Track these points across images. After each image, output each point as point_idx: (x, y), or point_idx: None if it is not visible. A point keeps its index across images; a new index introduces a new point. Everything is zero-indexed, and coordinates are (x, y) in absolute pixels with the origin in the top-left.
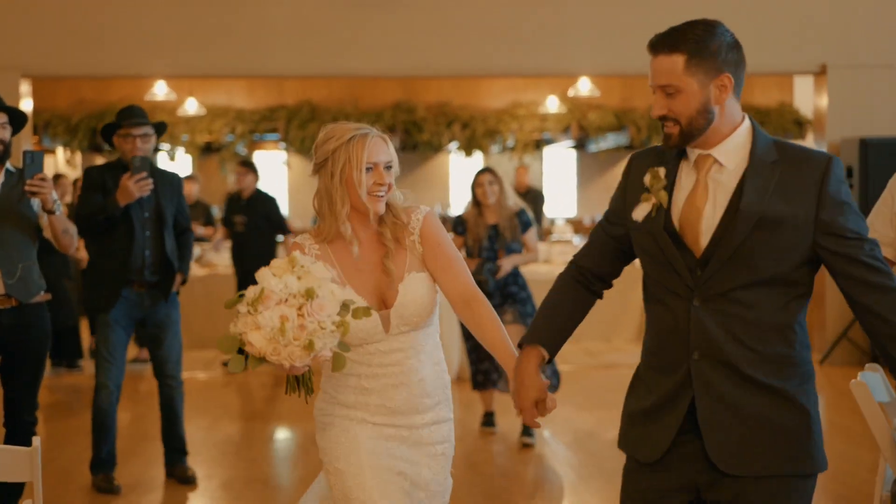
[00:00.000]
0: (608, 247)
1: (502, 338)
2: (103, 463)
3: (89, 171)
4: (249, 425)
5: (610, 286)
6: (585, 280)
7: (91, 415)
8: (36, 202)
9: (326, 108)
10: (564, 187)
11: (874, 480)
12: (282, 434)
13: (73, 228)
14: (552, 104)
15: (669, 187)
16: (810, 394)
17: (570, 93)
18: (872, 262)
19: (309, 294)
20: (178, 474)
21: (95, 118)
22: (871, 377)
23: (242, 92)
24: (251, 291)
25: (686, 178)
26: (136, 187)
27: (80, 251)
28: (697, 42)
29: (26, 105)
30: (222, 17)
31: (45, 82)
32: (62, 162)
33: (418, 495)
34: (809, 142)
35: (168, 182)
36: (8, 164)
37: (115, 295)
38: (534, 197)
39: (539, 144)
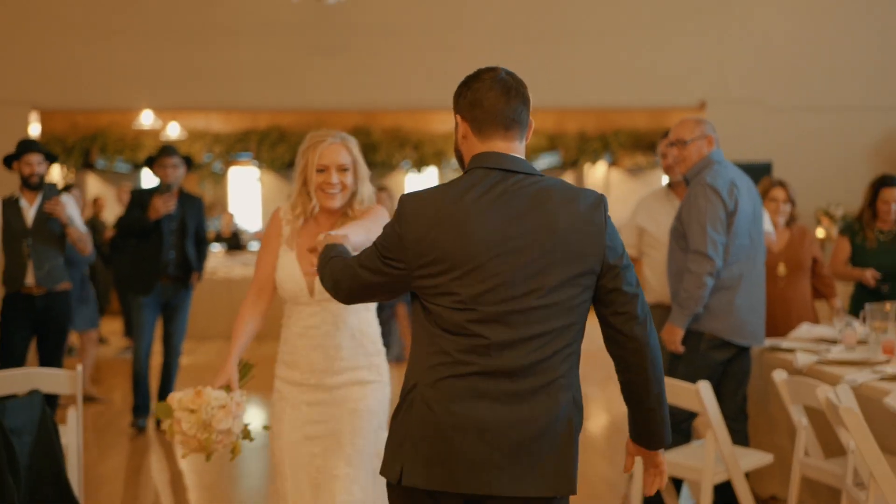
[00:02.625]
0: None
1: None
2: (139, 407)
3: (133, 192)
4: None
5: None
6: None
7: (131, 373)
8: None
9: (294, 131)
10: None
11: None
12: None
13: (87, 237)
14: None
15: None
16: None
17: None
18: None
19: (207, 441)
20: None
21: (88, 140)
22: None
23: (219, 117)
24: (171, 408)
25: None
26: (162, 206)
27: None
28: (456, 90)
29: (34, 130)
30: (201, 59)
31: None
32: (57, 177)
33: (343, 452)
34: None
35: (191, 203)
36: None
37: (149, 285)
38: None
39: None
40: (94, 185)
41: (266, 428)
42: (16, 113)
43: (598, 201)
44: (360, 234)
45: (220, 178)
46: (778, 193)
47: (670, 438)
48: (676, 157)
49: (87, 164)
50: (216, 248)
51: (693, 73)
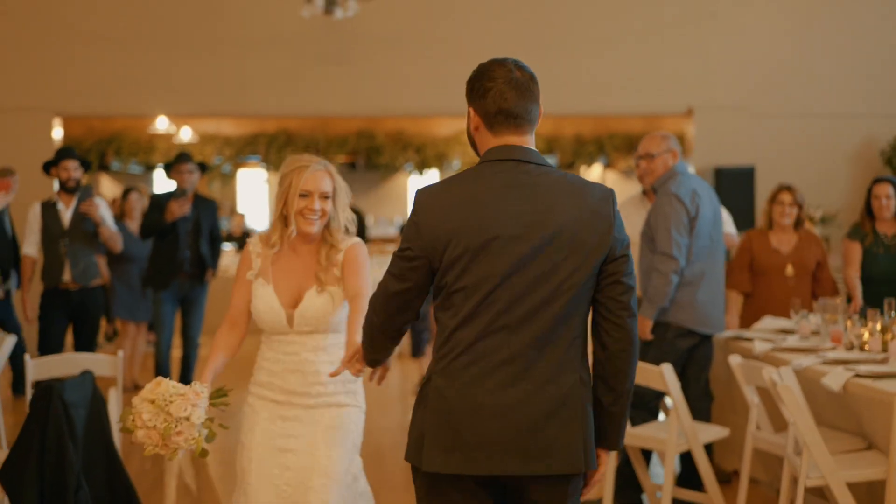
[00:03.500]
0: None
1: (355, 329)
2: None
3: (153, 196)
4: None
5: None
6: None
7: (154, 363)
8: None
9: (301, 135)
10: None
11: None
12: None
13: (117, 236)
14: None
15: None
16: None
17: None
18: None
19: (167, 430)
20: None
21: (104, 143)
22: None
23: (229, 122)
24: (134, 408)
25: None
26: (177, 209)
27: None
28: (469, 80)
29: (56, 135)
30: (213, 68)
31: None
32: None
33: (319, 464)
34: None
35: (206, 205)
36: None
37: (167, 281)
38: None
39: None
40: (108, 186)
41: (224, 427)
42: (40, 119)
43: (608, 195)
44: (366, 287)
45: (229, 180)
46: (784, 197)
47: (621, 444)
48: (645, 170)
49: (103, 166)
50: (227, 248)
51: (681, 82)
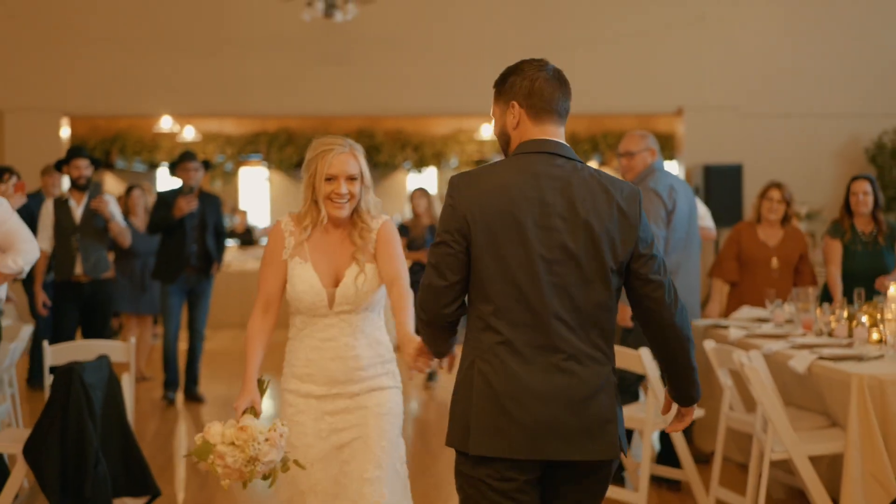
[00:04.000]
0: None
1: (405, 319)
2: (169, 382)
3: (160, 194)
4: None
5: None
6: None
7: (161, 353)
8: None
9: (301, 133)
10: None
11: None
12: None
13: (126, 231)
14: (486, 131)
15: None
16: None
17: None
18: None
19: (251, 474)
20: (193, 395)
21: (108, 142)
22: None
23: (231, 121)
24: (210, 444)
25: None
26: (186, 205)
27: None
28: (500, 78)
29: (64, 134)
30: (216, 69)
31: None
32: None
33: (373, 454)
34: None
35: (210, 201)
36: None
37: (175, 274)
38: None
39: (479, 164)
40: (112, 184)
41: (300, 465)
42: (49, 119)
43: (635, 194)
44: (403, 269)
45: (230, 178)
46: (774, 193)
47: (698, 397)
48: (625, 167)
49: (107, 165)
50: (230, 244)
51: (672, 83)
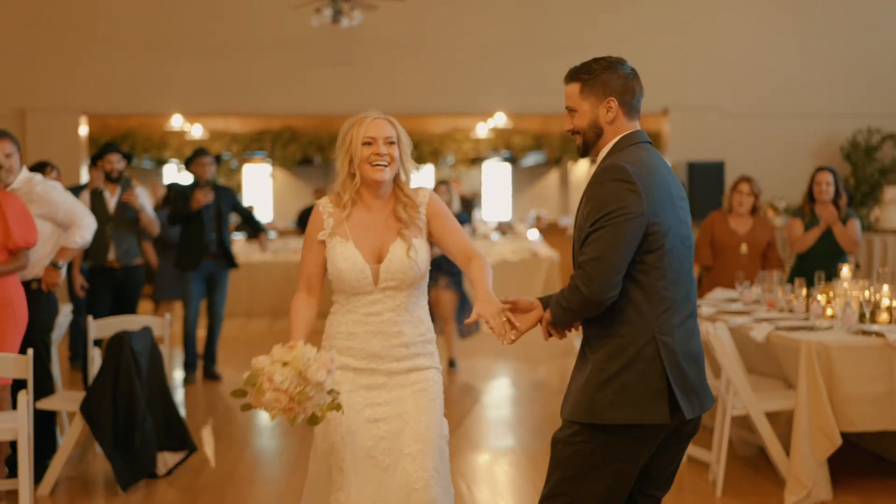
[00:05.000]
0: None
1: (485, 280)
2: (189, 364)
3: (177, 188)
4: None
5: None
6: None
7: (182, 336)
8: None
9: (304, 132)
10: (500, 196)
11: None
12: None
13: (155, 222)
14: (482, 130)
15: None
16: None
17: (490, 124)
18: None
19: (301, 395)
20: (211, 374)
21: (119, 139)
22: None
23: (237, 119)
24: (258, 372)
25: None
26: (203, 198)
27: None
28: (589, 72)
29: (82, 132)
30: (225, 71)
31: None
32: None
33: (412, 429)
34: None
35: (224, 193)
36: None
37: (195, 262)
38: (466, 203)
39: (474, 161)
40: None
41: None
42: (68, 119)
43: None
44: (466, 239)
45: (235, 174)
46: (743, 187)
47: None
48: None
49: None
50: (237, 237)
51: (657, 84)
